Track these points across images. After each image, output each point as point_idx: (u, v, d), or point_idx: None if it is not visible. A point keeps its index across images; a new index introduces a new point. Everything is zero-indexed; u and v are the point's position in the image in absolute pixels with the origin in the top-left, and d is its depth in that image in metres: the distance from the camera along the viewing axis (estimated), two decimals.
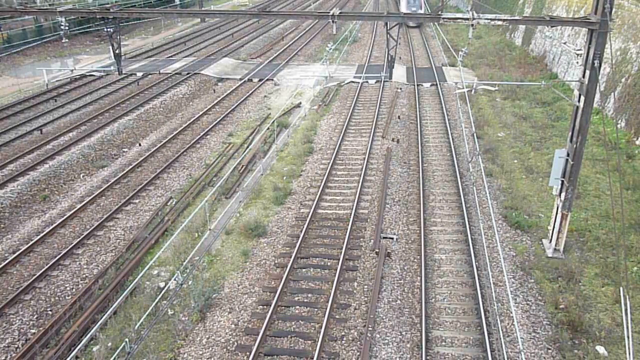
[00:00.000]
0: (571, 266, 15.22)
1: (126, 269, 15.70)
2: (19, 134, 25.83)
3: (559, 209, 15.57)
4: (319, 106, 30.84)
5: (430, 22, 24.95)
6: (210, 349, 12.77)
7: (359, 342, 12.75)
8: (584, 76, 14.17)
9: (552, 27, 15.89)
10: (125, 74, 36.37)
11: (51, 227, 17.93)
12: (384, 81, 34.89)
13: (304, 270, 15.61)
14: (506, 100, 30.82)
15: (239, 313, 13.94)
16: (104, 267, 15.89)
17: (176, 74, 36.64)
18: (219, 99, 32.53)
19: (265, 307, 14.13)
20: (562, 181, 15.43)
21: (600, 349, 12.39)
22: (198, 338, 13.14)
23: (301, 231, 17.32)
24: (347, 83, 35.72)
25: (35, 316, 14.00)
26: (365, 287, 14.79)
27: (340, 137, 25.36)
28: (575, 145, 14.71)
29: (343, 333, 13.10)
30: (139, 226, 18.33)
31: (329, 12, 16.13)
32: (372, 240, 16.95)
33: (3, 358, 12.61)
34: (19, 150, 24.20)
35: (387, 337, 12.92)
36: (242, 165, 22.74)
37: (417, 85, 34.34)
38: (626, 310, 9.43)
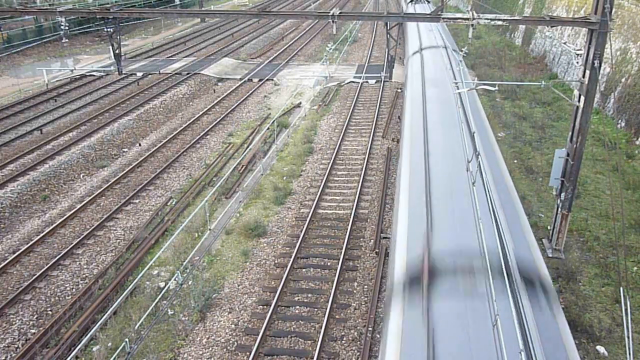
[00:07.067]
0: (571, 266, 15.22)
1: (126, 269, 15.70)
2: (19, 134, 25.83)
3: (559, 209, 15.57)
4: (319, 106, 30.85)
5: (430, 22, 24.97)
6: (210, 349, 12.77)
7: (359, 342, 12.75)
8: (584, 76, 14.17)
9: (552, 27, 15.89)
10: (125, 74, 36.38)
11: (51, 227, 17.93)
12: (384, 81, 34.90)
13: (304, 270, 15.61)
14: (506, 100, 30.83)
15: (239, 313, 13.94)
16: (104, 267, 15.89)
17: (176, 74, 36.64)
18: (219, 99, 32.53)
19: (265, 307, 14.13)
20: (562, 181, 15.43)
21: (600, 349, 12.39)
22: (198, 338, 13.14)
23: (301, 231, 17.33)
24: (347, 83, 35.73)
25: (35, 316, 14.00)
26: (365, 287, 14.79)
27: (341, 137, 25.37)
28: (575, 145, 14.71)
29: (343, 333, 13.10)
30: (139, 226, 18.33)
31: (329, 12, 16.13)
32: (372, 240, 16.95)
33: (3, 358, 12.62)
34: (19, 150, 24.20)
35: None
36: (242, 165, 22.74)
37: None
38: (626, 310, 9.45)
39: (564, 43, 16.98)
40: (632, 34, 26.97)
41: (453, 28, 53.74)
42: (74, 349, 12.30)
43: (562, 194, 15.41)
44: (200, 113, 29.85)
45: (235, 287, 15.02)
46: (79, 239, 17.20)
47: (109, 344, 12.87)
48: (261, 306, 14.20)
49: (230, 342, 12.96)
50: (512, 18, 15.03)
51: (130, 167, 22.68)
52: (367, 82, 35.59)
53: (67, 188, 21.40)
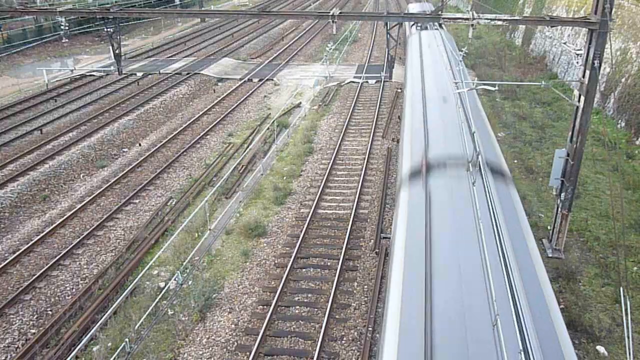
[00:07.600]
0: (571, 266, 15.22)
1: (126, 269, 15.70)
2: (19, 134, 25.82)
3: (559, 209, 15.57)
4: (319, 106, 30.85)
5: (430, 22, 25.00)
6: (210, 349, 12.77)
7: (359, 342, 12.75)
8: (584, 76, 14.17)
9: (552, 27, 15.91)
10: (125, 74, 36.36)
11: (51, 227, 17.92)
12: (384, 81, 34.89)
13: (304, 270, 15.61)
14: (506, 100, 30.83)
15: (239, 313, 13.94)
16: (104, 267, 15.89)
17: (176, 74, 36.64)
18: (219, 99, 32.53)
19: (265, 307, 14.13)
20: (562, 181, 15.44)
21: (601, 349, 12.39)
22: (198, 338, 13.14)
23: (301, 231, 17.32)
24: (347, 83, 35.72)
25: (35, 316, 14.00)
26: (365, 287, 14.79)
27: (340, 137, 25.36)
28: (575, 145, 14.71)
29: (343, 333, 13.10)
30: (139, 226, 18.33)
31: (329, 12, 16.14)
32: (372, 240, 16.95)
33: (3, 358, 12.62)
34: (19, 150, 24.20)
35: None
36: (242, 165, 22.74)
37: None
38: (626, 310, 9.44)
39: (564, 43, 17.00)
40: (632, 34, 26.97)
41: (453, 28, 53.73)
42: (74, 349, 12.31)
43: (562, 194, 15.41)
44: (200, 113, 29.85)
45: (235, 287, 15.02)
46: (79, 239, 17.19)
47: (109, 344, 12.87)
48: (261, 306, 14.20)
49: (230, 342, 12.96)
50: (512, 18, 15.04)
51: (130, 167, 22.67)
52: (367, 82, 35.59)
53: (67, 188, 21.40)
